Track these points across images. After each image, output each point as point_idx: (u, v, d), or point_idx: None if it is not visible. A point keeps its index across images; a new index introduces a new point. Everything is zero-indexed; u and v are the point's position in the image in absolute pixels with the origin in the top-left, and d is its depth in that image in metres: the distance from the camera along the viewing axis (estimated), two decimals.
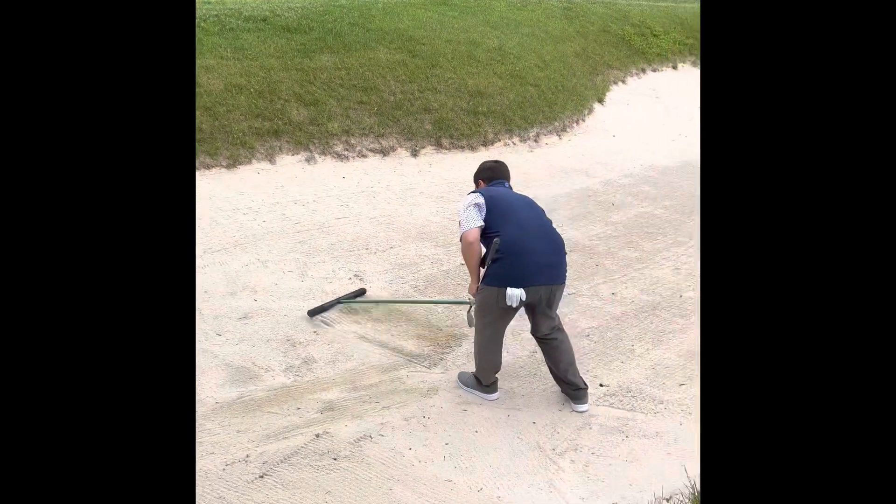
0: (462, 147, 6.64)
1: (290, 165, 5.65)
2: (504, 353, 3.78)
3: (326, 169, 5.79)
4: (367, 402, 3.31)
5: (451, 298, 4.22)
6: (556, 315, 3.31)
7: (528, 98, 7.57)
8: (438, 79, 7.15)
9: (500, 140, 6.91)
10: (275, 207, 5.13)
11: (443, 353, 3.80)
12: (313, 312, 3.92)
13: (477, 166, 3.57)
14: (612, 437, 3.20)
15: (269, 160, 5.59)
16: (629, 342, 4.06)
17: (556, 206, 5.91)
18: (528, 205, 3.30)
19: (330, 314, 3.98)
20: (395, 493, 2.75)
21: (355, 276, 4.49)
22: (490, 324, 3.24)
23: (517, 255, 3.08)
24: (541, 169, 6.71)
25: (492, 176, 3.46)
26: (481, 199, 3.19)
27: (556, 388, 3.55)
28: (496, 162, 3.56)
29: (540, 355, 3.63)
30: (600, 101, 8.44)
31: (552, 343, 3.29)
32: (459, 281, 4.61)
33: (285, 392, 3.31)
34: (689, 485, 2.80)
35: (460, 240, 3.22)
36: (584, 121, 7.87)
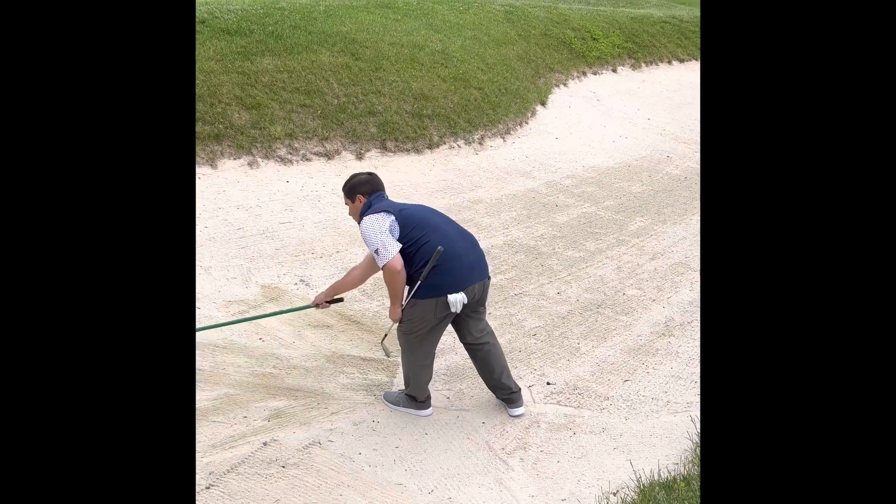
0: (407, 150, 6.64)
1: (232, 170, 5.55)
2: (453, 355, 3.80)
3: (270, 173, 5.70)
4: (315, 409, 3.27)
5: (292, 307, 3.79)
6: (484, 318, 3.27)
7: (472, 101, 7.62)
8: (382, 82, 7.13)
9: (444, 143, 6.94)
10: (217, 213, 5.03)
11: (390, 356, 3.79)
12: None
13: (348, 181, 3.27)
14: (560, 434, 3.25)
15: (211, 165, 5.47)
16: (575, 340, 4.13)
17: (501, 208, 5.97)
18: (433, 211, 3.24)
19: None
20: (346, 498, 2.74)
21: (301, 281, 4.44)
22: (424, 338, 3.13)
23: (449, 262, 3.01)
24: (486, 171, 6.76)
25: (372, 189, 3.20)
26: (391, 220, 3.02)
27: None
28: (369, 174, 3.30)
29: None
30: (543, 103, 8.57)
31: (484, 348, 3.22)
32: None
33: (230, 400, 3.24)
34: (634, 478, 2.87)
35: (382, 269, 3.01)
36: (527, 123, 7.97)
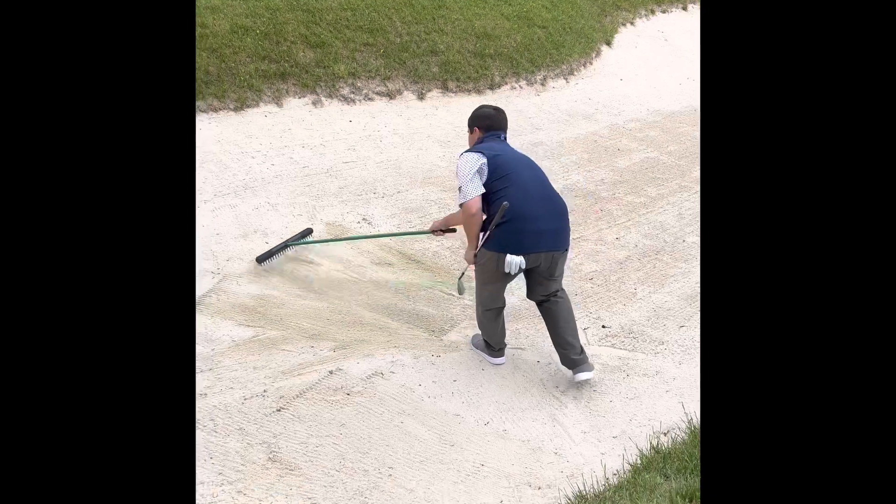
0: (468, 91, 6.61)
1: (297, 108, 5.65)
2: (510, 297, 3.89)
3: (333, 112, 5.79)
4: (377, 342, 3.43)
5: (409, 230, 4.12)
6: (558, 281, 3.18)
7: (536, 40, 7.48)
8: (445, 20, 7.05)
9: (506, 83, 6.87)
10: (283, 151, 5.17)
11: (450, 294, 3.91)
12: (261, 259, 3.86)
13: (474, 111, 3.31)
14: (614, 376, 3.33)
15: (276, 103, 5.59)
16: (631, 285, 4.16)
17: (561, 151, 5.93)
18: (530, 166, 3.14)
19: (281, 259, 3.99)
20: (407, 426, 2.90)
21: (363, 219, 4.57)
22: (489, 285, 3.14)
23: (518, 221, 2.95)
24: (547, 113, 6.69)
25: (489, 125, 3.21)
26: (483, 162, 3.00)
27: None
28: (495, 109, 3.30)
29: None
30: (608, 43, 8.33)
31: (550, 299, 3.19)
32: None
33: (299, 331, 3.43)
34: (685, 420, 2.94)
35: (460, 206, 3.05)
36: (591, 64, 7.79)
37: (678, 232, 4.84)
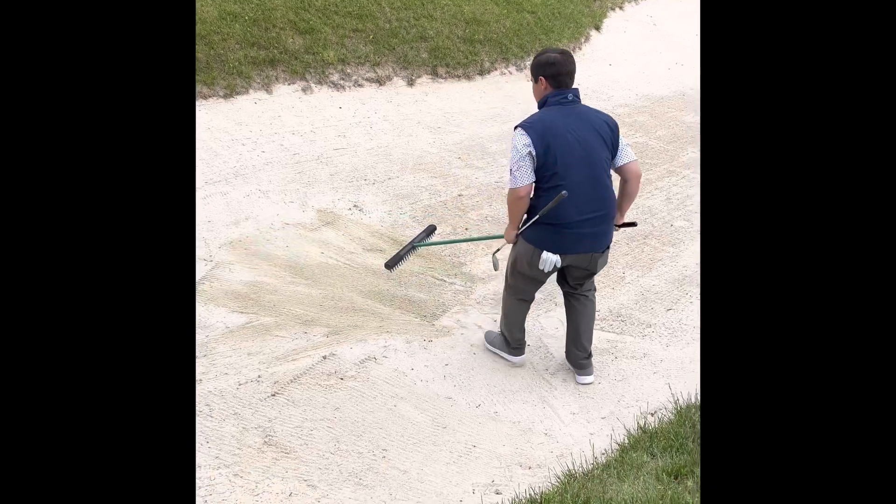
0: (458, 76, 6.62)
1: (286, 95, 5.65)
2: (496, 283, 3.93)
3: (323, 99, 5.80)
4: (369, 327, 3.47)
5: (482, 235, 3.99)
6: (592, 277, 3.15)
7: (525, 25, 7.48)
8: (434, 5, 7.05)
9: (496, 69, 6.89)
10: (273, 138, 5.18)
11: (443, 281, 3.95)
12: (391, 264, 3.63)
13: (536, 56, 2.98)
14: (602, 358, 3.39)
15: (266, 90, 5.59)
16: (620, 269, 4.22)
17: None
18: (587, 157, 2.84)
19: (406, 261, 3.77)
20: (400, 409, 2.95)
21: (355, 206, 4.59)
22: (521, 275, 3.07)
23: (560, 224, 2.85)
24: None
25: (556, 74, 2.88)
26: (530, 151, 2.79)
27: (549, 311, 3.72)
28: (562, 53, 2.94)
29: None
30: (597, 28, 8.35)
31: (581, 299, 3.15)
32: (456, 212, 4.72)
33: (292, 317, 3.47)
34: (672, 400, 3.01)
35: (508, 188, 2.93)
36: (580, 49, 7.81)
37: (666, 216, 4.90)
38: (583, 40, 7.95)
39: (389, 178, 5.00)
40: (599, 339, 3.55)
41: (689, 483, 2.26)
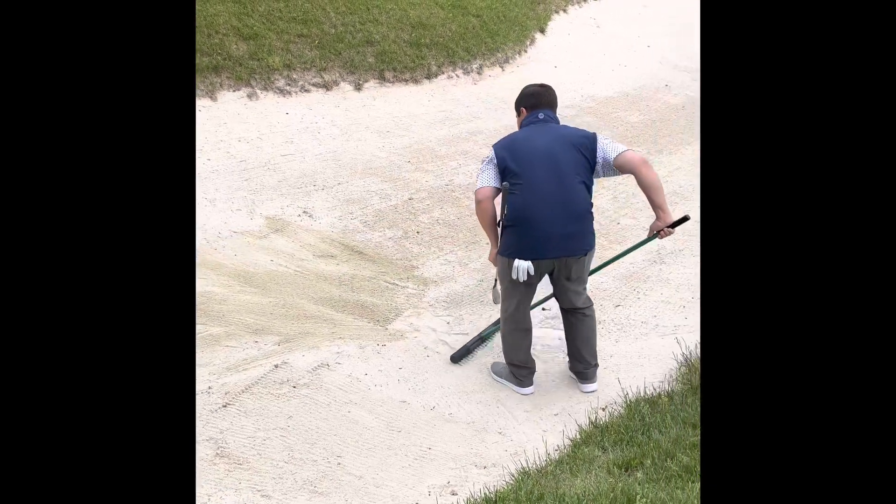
0: (406, 80, 6.63)
1: (231, 102, 5.58)
2: (452, 284, 3.96)
3: (269, 105, 5.73)
4: (322, 334, 3.45)
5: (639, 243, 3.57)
6: (584, 289, 3.07)
7: (471, 29, 7.54)
8: (379, 10, 7.05)
9: (443, 73, 6.92)
10: (219, 145, 5.10)
11: (396, 285, 3.96)
12: (457, 358, 3.39)
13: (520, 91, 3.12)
14: (553, 356, 3.45)
15: (211, 97, 5.50)
16: None
17: (499, 138, 6.02)
18: (548, 162, 2.88)
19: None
20: (354, 414, 2.94)
21: (304, 212, 4.56)
22: (510, 292, 3.02)
23: (524, 225, 2.85)
24: (484, 102, 6.78)
25: (535, 103, 3.05)
26: (492, 157, 2.94)
27: None
28: (541, 86, 3.13)
29: (489, 283, 3.82)
30: (542, 31, 8.47)
31: (577, 315, 3.10)
32: (407, 216, 4.73)
33: (242, 326, 3.42)
34: (622, 394, 3.07)
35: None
36: (525, 52, 7.91)
37: (613, 214, 5.00)
38: (528, 43, 8.06)
39: (339, 184, 4.98)
40: (551, 336, 3.61)
41: (639, 474, 2.31)
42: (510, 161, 2.89)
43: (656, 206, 2.95)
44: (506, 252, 2.93)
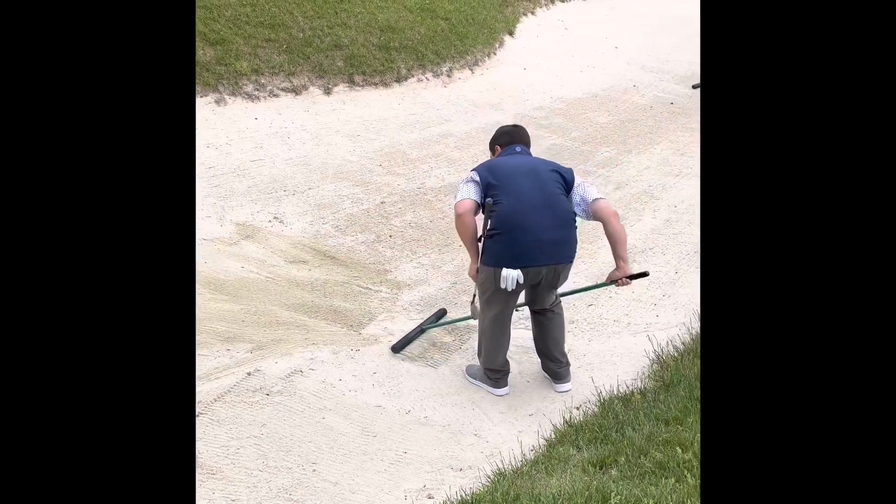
0: (375, 84, 6.62)
1: (199, 108, 5.51)
2: (426, 287, 3.95)
3: (238, 110, 5.68)
4: (295, 340, 3.43)
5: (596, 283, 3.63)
6: (556, 290, 3.12)
7: (440, 32, 7.56)
8: (348, 13, 7.03)
9: (413, 76, 6.92)
10: None
11: (369, 289, 3.94)
12: (397, 348, 3.43)
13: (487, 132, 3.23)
14: (528, 357, 3.46)
15: None
16: None
17: (471, 141, 6.04)
18: (532, 171, 2.95)
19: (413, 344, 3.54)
20: (328, 420, 2.92)
21: (275, 218, 4.52)
22: (492, 304, 3.01)
23: (513, 232, 2.82)
24: (454, 104, 6.79)
25: (509, 141, 3.16)
26: (472, 175, 2.96)
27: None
28: (514, 126, 3.27)
29: (462, 286, 3.82)
30: (510, 33, 8.52)
31: (547, 315, 3.15)
32: (379, 219, 4.72)
33: (214, 335, 3.38)
34: (595, 393, 3.10)
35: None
36: (495, 54, 7.95)
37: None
38: (497, 45, 8.10)
39: (310, 188, 4.95)
40: (525, 337, 3.62)
41: (614, 472, 2.33)
42: (492, 178, 2.91)
43: (618, 256, 3.02)
44: (491, 261, 2.88)
